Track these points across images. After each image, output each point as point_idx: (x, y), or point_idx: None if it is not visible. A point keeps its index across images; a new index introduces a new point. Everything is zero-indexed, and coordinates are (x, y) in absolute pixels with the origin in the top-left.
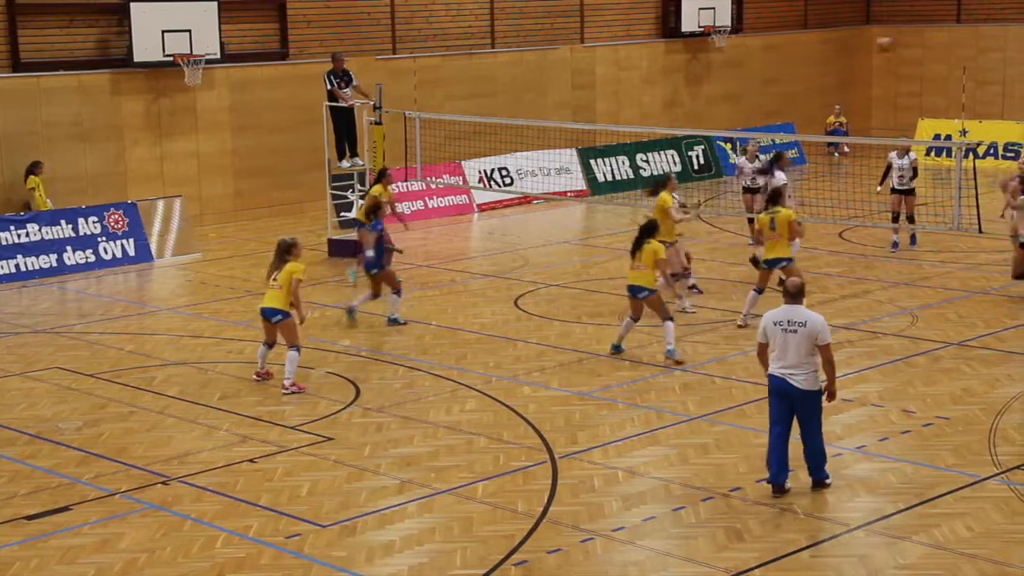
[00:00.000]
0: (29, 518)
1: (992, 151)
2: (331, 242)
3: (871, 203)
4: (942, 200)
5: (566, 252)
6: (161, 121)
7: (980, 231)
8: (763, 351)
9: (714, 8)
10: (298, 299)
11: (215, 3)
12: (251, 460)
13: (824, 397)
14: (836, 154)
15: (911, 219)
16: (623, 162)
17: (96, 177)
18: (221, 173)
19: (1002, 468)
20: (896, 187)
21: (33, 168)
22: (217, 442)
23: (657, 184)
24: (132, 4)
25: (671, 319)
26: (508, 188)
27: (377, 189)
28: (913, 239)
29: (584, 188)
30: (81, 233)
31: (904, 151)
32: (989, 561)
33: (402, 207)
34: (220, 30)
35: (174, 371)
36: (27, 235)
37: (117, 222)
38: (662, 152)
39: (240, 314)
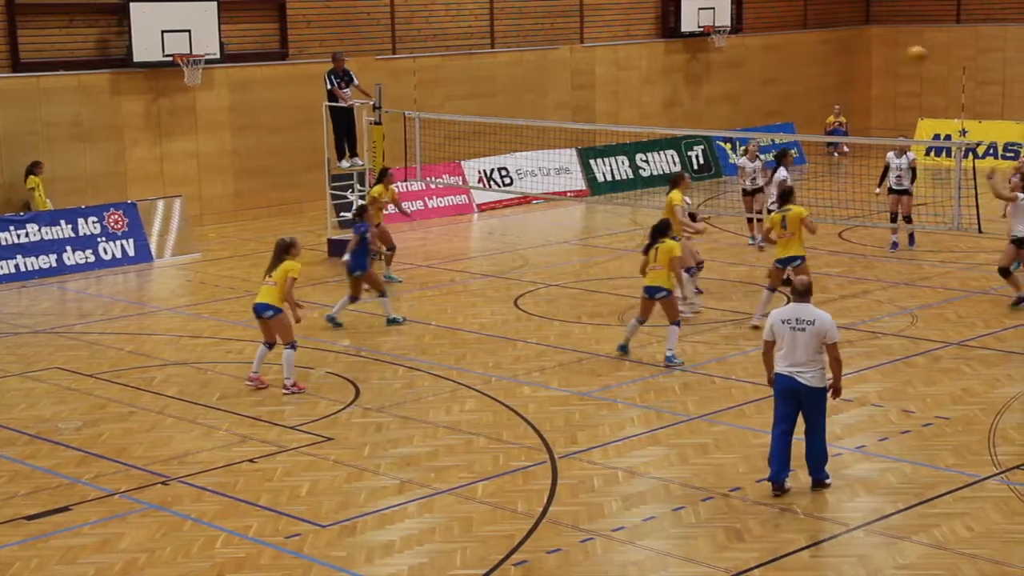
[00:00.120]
0: (29, 518)
1: (992, 151)
2: (331, 242)
3: (871, 203)
4: (942, 200)
5: (566, 252)
6: (161, 121)
7: (980, 231)
8: (769, 349)
9: (714, 8)
10: (291, 297)
11: (215, 3)
12: (251, 460)
13: (830, 394)
14: (836, 154)
15: (908, 219)
16: (623, 162)
17: (96, 177)
18: (221, 173)
19: (1002, 468)
20: (893, 187)
21: (33, 168)
22: (217, 442)
23: (672, 181)
24: (132, 4)
25: (679, 324)
26: (508, 188)
27: (378, 189)
28: (911, 239)
29: (584, 188)
30: (81, 233)
31: (902, 151)
32: (989, 561)
33: (405, 205)
34: (220, 30)
35: (174, 371)
36: (27, 235)
37: (117, 222)
38: (662, 152)
39: (240, 314)
